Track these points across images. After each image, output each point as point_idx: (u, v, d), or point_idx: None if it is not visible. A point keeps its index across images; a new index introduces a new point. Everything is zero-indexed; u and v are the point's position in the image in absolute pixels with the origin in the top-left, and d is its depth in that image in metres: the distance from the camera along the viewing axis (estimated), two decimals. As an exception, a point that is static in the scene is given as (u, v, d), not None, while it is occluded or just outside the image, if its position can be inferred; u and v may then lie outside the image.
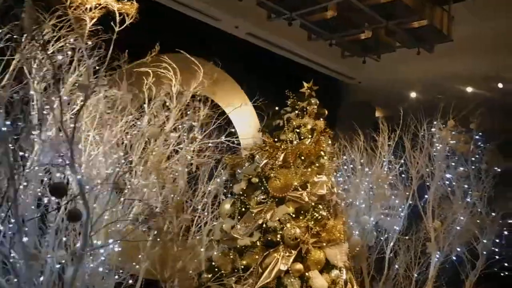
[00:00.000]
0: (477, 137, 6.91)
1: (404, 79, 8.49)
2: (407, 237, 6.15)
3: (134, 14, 3.21)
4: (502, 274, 6.18)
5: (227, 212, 4.93)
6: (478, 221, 6.02)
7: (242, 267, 4.45)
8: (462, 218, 5.91)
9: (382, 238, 6.24)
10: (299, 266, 4.43)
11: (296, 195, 4.64)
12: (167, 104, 3.91)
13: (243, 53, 7.09)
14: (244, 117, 7.14)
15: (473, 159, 6.79)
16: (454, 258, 6.00)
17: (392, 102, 7.54)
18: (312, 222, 4.66)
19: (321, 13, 4.96)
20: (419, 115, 6.64)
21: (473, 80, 7.65)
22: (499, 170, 6.97)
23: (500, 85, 7.51)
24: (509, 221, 6.21)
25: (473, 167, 6.73)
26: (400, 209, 6.26)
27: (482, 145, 6.92)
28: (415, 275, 5.99)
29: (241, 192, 4.86)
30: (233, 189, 4.97)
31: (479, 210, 6.12)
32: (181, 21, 6.43)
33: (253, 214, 4.62)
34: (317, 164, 4.83)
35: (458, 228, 5.88)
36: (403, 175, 6.53)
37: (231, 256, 4.57)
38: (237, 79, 7.44)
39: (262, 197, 4.73)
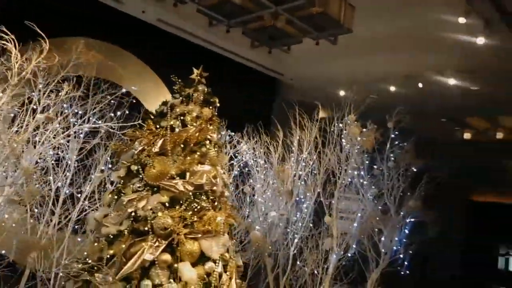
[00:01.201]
0: (393, 135, 6.92)
1: (332, 77, 8.46)
2: (309, 234, 6.04)
3: None
4: (402, 273, 6.13)
5: (107, 201, 4.75)
6: (377, 218, 5.95)
7: (108, 256, 4.26)
8: (359, 215, 5.84)
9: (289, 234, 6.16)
10: (166, 256, 4.25)
11: (171, 183, 4.48)
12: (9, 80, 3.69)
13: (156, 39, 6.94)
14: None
15: (392, 157, 6.79)
16: (349, 255, 5.92)
17: (320, 99, 7.48)
18: (190, 213, 4.52)
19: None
20: (334, 112, 6.60)
21: (396, 79, 7.66)
22: (414, 169, 6.99)
23: (420, 85, 7.52)
24: (411, 220, 6.17)
25: (388, 165, 6.72)
26: (304, 205, 6.17)
27: (399, 143, 6.95)
28: (315, 272, 5.88)
29: (119, 180, 4.70)
30: (112, 177, 4.80)
31: (379, 208, 6.06)
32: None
33: (124, 203, 4.44)
34: (198, 153, 4.69)
35: (355, 225, 5.81)
36: (314, 172, 6.46)
37: (101, 245, 4.39)
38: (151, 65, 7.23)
39: (138, 185, 4.56)
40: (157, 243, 4.31)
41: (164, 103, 4.95)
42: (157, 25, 6.64)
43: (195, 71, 5.03)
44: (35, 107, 4.28)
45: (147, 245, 4.26)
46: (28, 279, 4.61)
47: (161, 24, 6.59)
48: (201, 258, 4.48)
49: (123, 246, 4.23)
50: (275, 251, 6.09)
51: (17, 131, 3.96)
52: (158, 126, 4.74)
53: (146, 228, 4.30)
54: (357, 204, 6.05)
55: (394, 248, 6.02)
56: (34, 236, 4.41)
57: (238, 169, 6.59)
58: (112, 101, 4.98)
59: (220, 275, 4.52)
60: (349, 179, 6.42)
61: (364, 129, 6.48)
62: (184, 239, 4.40)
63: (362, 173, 6.49)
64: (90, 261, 4.26)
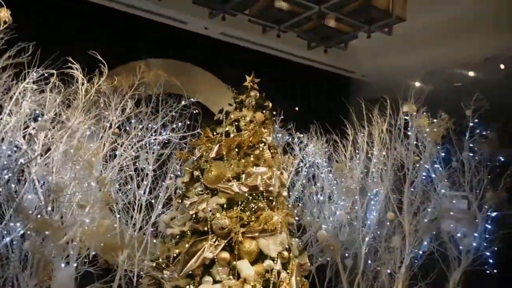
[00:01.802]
0: (472, 124, 6.42)
1: (408, 70, 8.09)
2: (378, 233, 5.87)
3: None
4: (488, 272, 5.60)
5: (175, 205, 5.20)
6: (452, 213, 5.55)
7: (174, 255, 4.67)
8: (429, 210, 5.51)
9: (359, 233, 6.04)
10: (224, 254, 4.52)
11: (226, 186, 4.75)
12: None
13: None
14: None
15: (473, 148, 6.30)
16: (420, 253, 5.60)
17: (395, 92, 7.25)
18: (247, 213, 4.74)
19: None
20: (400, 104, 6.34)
21: (472, 64, 7.08)
22: (501, 159, 6.39)
23: (501, 66, 6.85)
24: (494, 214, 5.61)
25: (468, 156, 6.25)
26: (372, 202, 6.01)
27: (480, 132, 6.42)
28: (389, 271, 5.69)
29: (183, 185, 5.11)
30: (177, 182, 5.22)
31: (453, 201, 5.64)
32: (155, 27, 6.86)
33: (186, 205, 4.82)
34: (252, 156, 4.90)
35: (425, 220, 5.50)
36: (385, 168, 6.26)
37: (168, 245, 4.82)
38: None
39: (199, 189, 4.92)
40: (216, 242, 4.60)
41: (220, 111, 5.27)
42: (220, 38, 7.06)
43: (248, 78, 5.27)
44: (108, 124, 4.88)
45: (207, 244, 4.58)
46: (119, 278, 5.20)
47: (223, 37, 7.00)
48: (260, 256, 4.69)
49: (186, 245, 4.61)
50: (343, 249, 6.01)
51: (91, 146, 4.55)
52: (214, 133, 5.07)
53: (206, 228, 4.62)
54: (431, 199, 5.72)
55: (474, 244, 5.55)
56: (118, 238, 4.96)
57: (306, 169, 6.64)
58: (182, 113, 5.45)
59: (279, 273, 4.66)
60: (424, 174, 6.10)
61: (435, 120, 6.13)
62: (242, 238, 4.65)
63: (437, 166, 6.12)
64: (160, 260, 4.72)
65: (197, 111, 5.38)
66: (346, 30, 5.58)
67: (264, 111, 5.20)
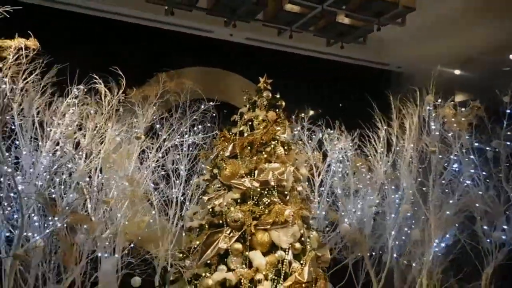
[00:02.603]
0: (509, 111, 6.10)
1: (444, 58, 7.83)
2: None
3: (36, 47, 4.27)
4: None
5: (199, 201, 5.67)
6: (477, 204, 5.34)
7: (195, 246, 5.10)
8: (451, 201, 5.35)
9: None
10: (237, 245, 4.86)
11: (239, 182, 5.08)
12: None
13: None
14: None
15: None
16: (443, 245, 5.44)
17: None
18: (261, 207, 5.04)
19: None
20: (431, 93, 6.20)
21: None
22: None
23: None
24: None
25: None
26: (396, 195, 5.98)
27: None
28: (413, 264, 5.64)
29: (204, 182, 5.54)
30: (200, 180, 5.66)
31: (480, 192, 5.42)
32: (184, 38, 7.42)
33: (205, 201, 5.24)
34: (264, 153, 5.19)
35: (447, 213, 5.35)
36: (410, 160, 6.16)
37: (190, 237, 5.28)
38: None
39: (217, 185, 5.31)
40: (231, 234, 4.96)
41: (236, 113, 5.63)
42: (246, 43, 7.44)
43: (260, 79, 5.57)
44: (136, 130, 5.48)
45: (222, 235, 4.96)
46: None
47: (249, 41, 7.37)
48: (272, 248, 4.97)
49: (204, 237, 5.02)
50: (372, 243, 6.04)
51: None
52: (230, 133, 5.44)
53: (221, 221, 5.00)
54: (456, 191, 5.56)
55: (504, 237, 5.29)
56: (157, 232, 5.52)
57: (334, 165, 6.74)
58: (206, 116, 5.92)
59: (290, 263, 4.89)
60: (455, 166, 5.93)
61: (463, 109, 5.94)
62: (255, 230, 4.96)
63: (470, 156, 5.92)
64: (182, 251, 5.19)
65: (214, 114, 5.80)
66: (358, 25, 5.69)
67: (277, 110, 5.48)
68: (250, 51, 7.74)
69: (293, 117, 6.38)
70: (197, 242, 5.11)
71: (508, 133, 6.01)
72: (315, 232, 5.51)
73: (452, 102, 5.93)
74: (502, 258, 5.45)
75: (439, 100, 5.93)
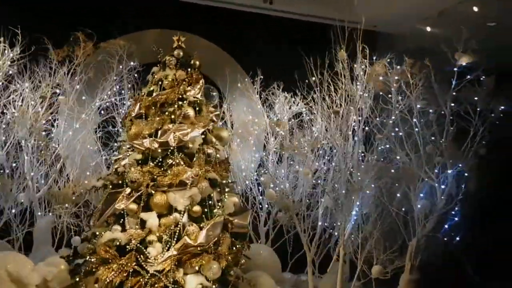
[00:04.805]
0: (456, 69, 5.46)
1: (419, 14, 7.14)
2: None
3: None
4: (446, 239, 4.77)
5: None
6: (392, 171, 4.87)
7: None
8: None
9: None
10: (132, 206, 4.81)
11: (139, 142, 4.99)
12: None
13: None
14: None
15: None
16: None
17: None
18: (162, 169, 4.93)
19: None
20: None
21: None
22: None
23: None
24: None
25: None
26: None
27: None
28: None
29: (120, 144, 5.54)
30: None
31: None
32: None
33: (112, 161, 5.22)
34: (166, 113, 5.04)
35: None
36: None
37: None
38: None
39: (127, 146, 5.26)
40: (130, 195, 4.93)
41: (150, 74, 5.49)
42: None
43: (174, 38, 5.36)
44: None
45: (120, 196, 4.93)
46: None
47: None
48: (171, 210, 4.87)
49: (105, 197, 5.03)
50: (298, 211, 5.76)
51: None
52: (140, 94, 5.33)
53: (120, 182, 4.97)
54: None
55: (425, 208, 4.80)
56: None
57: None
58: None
59: (184, 226, 4.78)
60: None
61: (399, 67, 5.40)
62: (153, 192, 4.87)
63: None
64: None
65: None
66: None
67: (189, 70, 5.27)
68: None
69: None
70: (101, 202, 5.14)
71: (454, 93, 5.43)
72: (235, 197, 5.35)
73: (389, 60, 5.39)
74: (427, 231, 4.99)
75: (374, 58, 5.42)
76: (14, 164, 5.62)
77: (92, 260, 4.63)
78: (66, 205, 5.73)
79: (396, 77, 5.23)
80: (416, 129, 5.35)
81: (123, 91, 6.24)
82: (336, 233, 5.37)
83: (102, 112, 6.19)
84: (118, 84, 6.09)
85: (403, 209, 5.18)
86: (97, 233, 4.86)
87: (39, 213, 5.94)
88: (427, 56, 5.58)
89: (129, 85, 5.95)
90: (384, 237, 5.28)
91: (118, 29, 6.47)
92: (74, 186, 5.73)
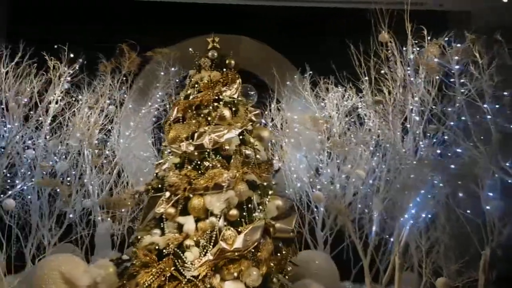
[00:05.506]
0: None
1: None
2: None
3: None
4: None
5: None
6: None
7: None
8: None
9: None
10: (170, 210, 4.78)
11: (176, 146, 4.96)
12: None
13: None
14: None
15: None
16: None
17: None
18: (200, 172, 4.84)
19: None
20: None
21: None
22: None
23: None
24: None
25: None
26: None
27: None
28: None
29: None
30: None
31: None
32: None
33: (154, 166, 5.27)
34: (201, 115, 4.94)
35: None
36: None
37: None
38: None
39: (168, 150, 5.28)
40: (170, 199, 4.91)
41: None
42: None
43: (209, 40, 5.27)
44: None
45: (160, 200, 4.93)
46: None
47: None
48: (207, 213, 4.74)
49: (148, 201, 5.08)
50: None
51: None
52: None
53: (160, 186, 4.98)
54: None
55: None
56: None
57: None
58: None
59: (220, 230, 4.61)
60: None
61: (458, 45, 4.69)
62: (191, 195, 4.79)
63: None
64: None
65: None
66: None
67: (224, 70, 5.13)
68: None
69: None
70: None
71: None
72: (278, 200, 5.08)
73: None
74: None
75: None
76: (73, 172, 6.00)
77: (134, 263, 4.70)
78: (123, 210, 5.94)
79: (456, 57, 4.50)
80: (489, 116, 4.59)
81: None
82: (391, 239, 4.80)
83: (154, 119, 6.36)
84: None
85: (471, 211, 4.44)
86: (139, 237, 4.94)
87: (99, 218, 6.25)
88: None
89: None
90: (450, 245, 4.59)
91: (167, 38, 6.64)
92: (128, 191, 5.92)
